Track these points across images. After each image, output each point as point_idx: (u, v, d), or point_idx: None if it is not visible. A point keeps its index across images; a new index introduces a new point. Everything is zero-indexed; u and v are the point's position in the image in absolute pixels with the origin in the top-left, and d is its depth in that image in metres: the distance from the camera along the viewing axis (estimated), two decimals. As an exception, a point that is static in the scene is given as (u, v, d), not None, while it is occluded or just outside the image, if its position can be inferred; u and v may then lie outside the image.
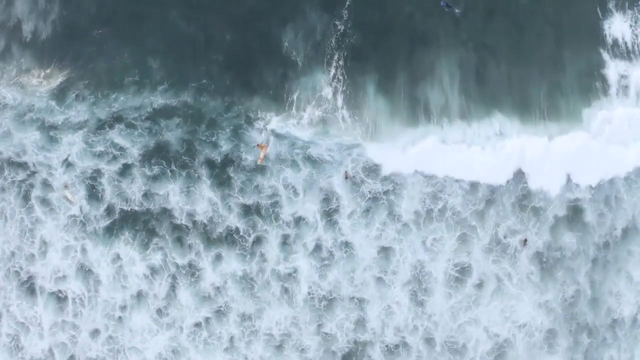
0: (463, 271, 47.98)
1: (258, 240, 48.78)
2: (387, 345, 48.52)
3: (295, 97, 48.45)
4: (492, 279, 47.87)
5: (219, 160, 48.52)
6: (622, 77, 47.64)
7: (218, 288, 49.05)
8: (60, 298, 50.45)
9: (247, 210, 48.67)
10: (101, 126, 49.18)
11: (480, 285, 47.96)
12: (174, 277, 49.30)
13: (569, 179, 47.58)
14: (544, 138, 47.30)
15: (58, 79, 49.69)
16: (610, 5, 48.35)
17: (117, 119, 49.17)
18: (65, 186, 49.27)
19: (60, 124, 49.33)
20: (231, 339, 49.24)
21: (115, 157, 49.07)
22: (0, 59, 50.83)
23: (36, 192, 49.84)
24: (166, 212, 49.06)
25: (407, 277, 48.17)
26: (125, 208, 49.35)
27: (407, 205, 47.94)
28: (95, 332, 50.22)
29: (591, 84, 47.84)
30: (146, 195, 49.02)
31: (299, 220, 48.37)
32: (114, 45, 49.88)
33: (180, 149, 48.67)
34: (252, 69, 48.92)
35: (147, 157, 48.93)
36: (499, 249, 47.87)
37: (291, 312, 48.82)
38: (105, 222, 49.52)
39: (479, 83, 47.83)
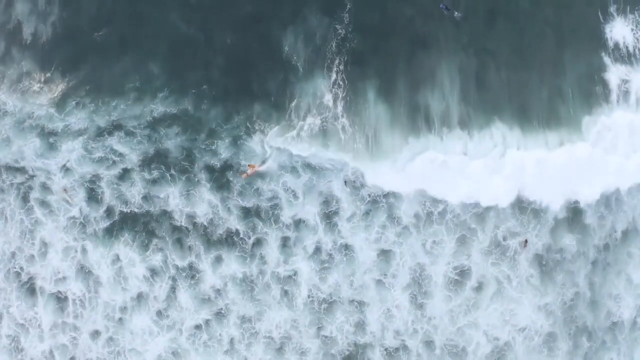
0: (463, 274, 47.89)
1: (258, 242, 48.72)
2: (386, 349, 48.57)
3: (295, 104, 48.18)
4: (491, 281, 47.81)
5: (219, 166, 48.37)
6: (623, 81, 47.48)
7: (218, 290, 49.09)
8: (60, 299, 50.50)
9: (247, 213, 48.58)
10: (100, 133, 49.09)
11: (480, 288, 47.90)
12: (174, 279, 49.32)
13: (569, 194, 47.59)
14: (544, 149, 47.04)
15: (59, 85, 49.43)
16: (612, 9, 48.17)
17: (116, 126, 48.99)
18: (64, 190, 49.28)
19: (60, 131, 49.23)
20: (231, 341, 49.33)
21: (114, 163, 49.00)
22: (1, 62, 50.63)
23: (35, 194, 49.83)
24: (166, 214, 49.00)
25: (407, 280, 48.10)
26: (125, 210, 49.31)
27: (407, 208, 47.79)
28: (95, 334, 50.32)
29: (592, 89, 47.63)
30: (146, 197, 48.95)
31: (298, 223, 48.31)
32: (114, 48, 49.64)
33: (179, 155, 48.56)
34: (252, 73, 48.71)
35: (147, 162, 48.85)
36: (499, 251, 47.77)
37: (291, 315, 48.83)
38: (104, 224, 49.52)
39: (479, 89, 47.61)
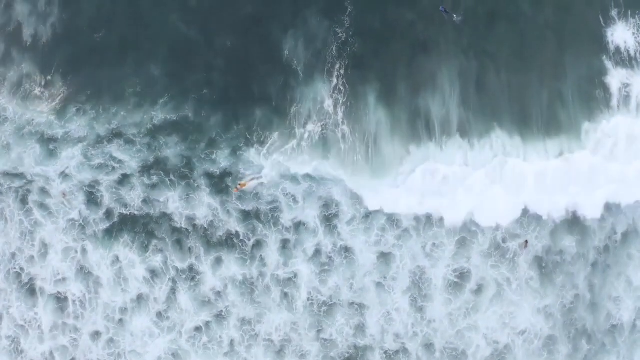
0: (462, 276, 47.92)
1: (258, 244, 48.75)
2: (386, 352, 48.59)
3: (296, 109, 48.15)
4: (491, 284, 47.82)
5: (218, 173, 48.40)
6: (624, 85, 47.31)
7: (219, 292, 49.10)
8: (60, 300, 50.53)
9: (247, 215, 48.60)
10: (100, 141, 49.02)
11: (479, 291, 47.93)
12: (174, 281, 49.33)
13: (570, 204, 47.52)
14: (544, 158, 46.97)
15: (60, 89, 49.50)
16: (613, 13, 47.95)
17: (116, 134, 48.95)
18: (63, 194, 49.25)
19: (59, 137, 49.15)
20: (231, 343, 49.35)
21: (113, 169, 49.01)
22: (1, 63, 50.55)
23: (33, 197, 49.77)
24: (166, 216, 49.02)
25: (407, 283, 48.13)
26: (124, 212, 49.32)
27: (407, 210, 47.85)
28: (95, 335, 50.36)
29: (592, 94, 47.44)
30: (145, 201, 48.99)
31: (298, 226, 48.30)
32: (114, 50, 49.70)
33: (179, 163, 48.57)
34: (252, 77, 48.67)
35: (146, 169, 48.86)
36: (498, 253, 47.77)
37: (291, 318, 48.87)
38: (104, 225, 49.53)
39: (479, 93, 47.54)
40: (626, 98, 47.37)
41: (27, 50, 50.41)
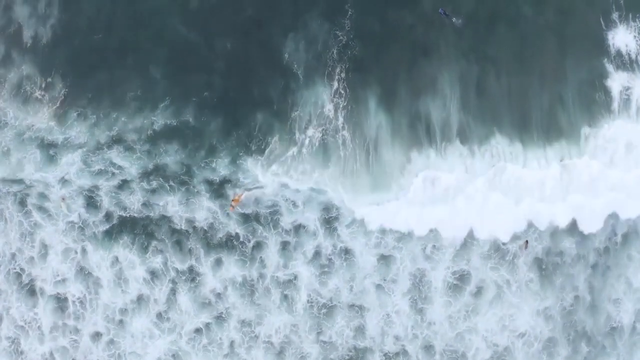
0: (462, 279, 47.93)
1: (258, 246, 48.74)
2: (385, 354, 48.64)
3: (296, 114, 48.05)
4: (491, 286, 47.83)
5: (217, 181, 48.34)
6: (625, 88, 47.18)
7: (219, 294, 49.12)
8: (60, 301, 50.55)
9: (247, 218, 48.59)
10: (100, 147, 48.87)
11: (479, 293, 47.93)
12: (174, 282, 49.35)
13: (570, 213, 47.25)
14: (544, 164, 46.80)
15: (61, 92, 49.37)
16: (614, 16, 47.70)
17: (116, 141, 48.80)
18: (62, 198, 49.21)
19: (59, 143, 49.03)
20: (231, 344, 49.39)
21: (113, 174, 48.97)
22: (1, 65, 50.45)
23: (32, 200, 49.73)
24: (165, 219, 49.02)
25: (407, 286, 48.12)
26: (124, 214, 49.31)
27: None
28: (95, 336, 50.39)
29: (593, 98, 47.22)
30: (145, 204, 48.97)
31: (298, 228, 48.27)
32: (114, 53, 49.61)
33: (179, 171, 48.49)
34: (253, 80, 48.57)
35: (146, 175, 48.82)
36: (498, 255, 47.72)
37: (291, 320, 48.91)
38: (103, 227, 49.52)
39: (479, 99, 47.41)
40: (626, 102, 47.18)
41: (27, 52, 50.29)
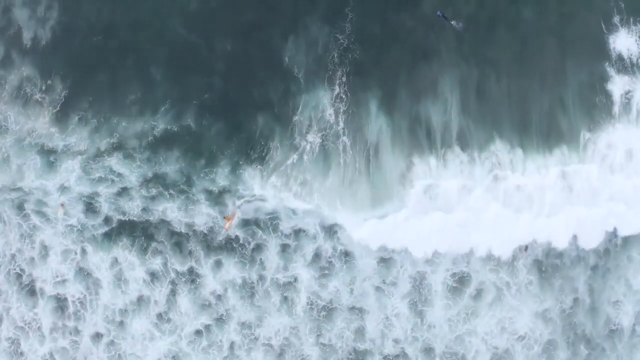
0: (462, 281, 47.92)
1: (258, 248, 48.69)
2: (385, 357, 48.63)
3: (297, 118, 47.93)
4: (491, 288, 47.83)
5: (217, 191, 48.29)
6: (626, 92, 47.07)
7: (219, 296, 49.11)
8: (60, 301, 50.47)
9: (246, 222, 48.55)
10: (100, 154, 48.74)
11: (479, 296, 47.94)
12: (173, 283, 49.34)
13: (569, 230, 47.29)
14: (544, 172, 46.69)
15: (61, 95, 49.12)
16: (615, 20, 47.50)
17: (117, 147, 48.66)
18: (62, 204, 49.18)
19: (59, 150, 48.88)
20: (231, 346, 49.41)
21: (113, 182, 48.86)
22: (1, 67, 50.23)
23: (30, 206, 49.69)
24: (164, 222, 48.98)
25: (407, 288, 48.13)
26: (123, 218, 49.26)
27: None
28: (95, 337, 50.36)
29: (594, 102, 47.08)
30: (144, 209, 48.93)
31: (298, 232, 48.22)
32: (114, 55, 49.38)
33: (178, 179, 48.38)
34: (254, 84, 48.35)
35: (146, 182, 48.74)
36: (498, 258, 47.69)
37: (291, 322, 48.96)
38: (102, 229, 49.44)
39: (480, 103, 47.26)
40: (627, 105, 47.09)
41: (27, 54, 49.98)
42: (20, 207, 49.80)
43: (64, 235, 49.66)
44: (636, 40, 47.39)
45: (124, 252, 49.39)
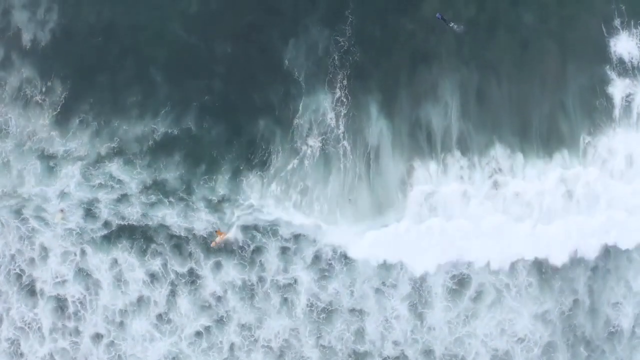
0: (462, 283, 47.89)
1: (257, 250, 48.67)
2: (385, 358, 48.61)
3: (298, 122, 47.94)
4: (491, 290, 47.80)
5: (216, 201, 48.34)
6: (627, 95, 47.03)
7: (219, 297, 49.10)
8: (60, 302, 50.40)
9: (246, 228, 48.58)
10: (101, 160, 48.74)
11: (478, 298, 47.94)
12: (173, 285, 49.31)
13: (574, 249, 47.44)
14: (543, 177, 46.72)
15: (61, 97, 49.18)
16: (616, 23, 47.44)
17: (117, 153, 48.68)
18: (61, 210, 49.16)
19: (59, 155, 48.86)
20: (231, 347, 49.43)
21: (112, 188, 48.84)
22: (1, 68, 50.17)
23: (29, 212, 49.72)
24: (164, 227, 48.98)
25: (407, 290, 48.10)
26: (122, 223, 49.24)
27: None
28: (95, 338, 50.31)
29: (595, 105, 47.13)
30: (144, 215, 48.91)
31: (298, 236, 48.22)
32: (114, 57, 49.40)
33: (178, 187, 48.38)
34: (254, 87, 48.39)
35: (145, 189, 48.74)
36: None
37: (290, 324, 48.95)
38: (102, 233, 49.40)
39: (480, 106, 47.34)
40: (627, 109, 47.07)
41: (27, 55, 50.00)
42: (18, 212, 49.74)
43: (63, 238, 49.62)
44: (637, 43, 47.31)
45: (124, 254, 49.37)
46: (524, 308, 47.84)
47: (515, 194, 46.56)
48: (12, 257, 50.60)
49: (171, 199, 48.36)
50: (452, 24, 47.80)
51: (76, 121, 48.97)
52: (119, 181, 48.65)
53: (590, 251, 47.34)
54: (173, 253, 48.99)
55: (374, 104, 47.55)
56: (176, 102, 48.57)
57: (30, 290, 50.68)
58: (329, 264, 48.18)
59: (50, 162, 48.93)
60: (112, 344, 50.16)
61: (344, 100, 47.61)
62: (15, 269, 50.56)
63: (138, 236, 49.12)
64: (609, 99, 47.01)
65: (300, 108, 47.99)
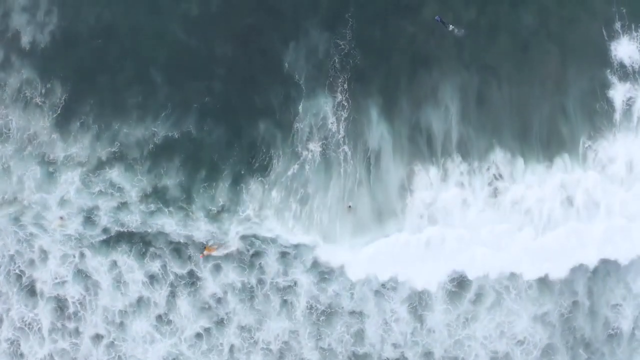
0: (461, 286, 47.92)
1: (257, 254, 48.75)
2: (384, 360, 49.04)
3: (298, 125, 47.93)
4: (490, 292, 47.85)
5: (216, 211, 48.28)
6: (628, 99, 46.94)
7: (219, 299, 49.18)
8: (60, 303, 50.53)
9: (245, 235, 48.59)
10: (101, 166, 48.70)
11: (478, 300, 47.99)
12: (173, 286, 49.36)
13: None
14: (544, 181, 46.71)
15: (61, 99, 49.20)
16: (617, 26, 47.28)
17: (117, 158, 48.64)
18: (61, 217, 49.14)
19: (59, 161, 48.83)
20: (231, 349, 49.49)
21: (112, 195, 48.78)
22: (1, 70, 50.04)
23: (27, 219, 49.66)
24: (163, 234, 49.01)
25: (407, 292, 48.15)
26: (122, 229, 49.25)
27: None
28: (96, 338, 50.45)
29: (595, 109, 47.10)
30: (143, 223, 48.89)
31: (298, 245, 48.25)
32: (115, 58, 49.37)
33: (178, 195, 48.32)
34: (255, 90, 48.47)
35: (145, 197, 48.68)
36: (498, 260, 47.89)
37: (290, 326, 49.06)
38: (101, 237, 49.46)
39: (480, 111, 47.38)
40: (627, 112, 46.98)
41: (27, 57, 50.00)
42: (17, 219, 49.71)
43: (62, 243, 49.68)
44: (638, 47, 47.17)
45: (122, 257, 49.47)
46: (523, 310, 47.93)
47: (515, 201, 46.59)
48: (12, 257, 50.56)
49: (171, 208, 48.33)
50: (451, 27, 47.71)
51: (77, 124, 48.95)
52: (119, 189, 48.64)
53: (590, 260, 47.26)
54: (172, 256, 49.09)
55: (375, 107, 47.51)
56: (176, 104, 48.57)
57: (30, 291, 50.73)
58: (329, 267, 48.17)
59: (50, 167, 48.90)
60: (112, 344, 50.30)
61: (345, 104, 47.57)
62: (15, 270, 50.56)
63: (137, 240, 49.17)
64: (609, 102, 46.97)
65: (301, 111, 47.99)
